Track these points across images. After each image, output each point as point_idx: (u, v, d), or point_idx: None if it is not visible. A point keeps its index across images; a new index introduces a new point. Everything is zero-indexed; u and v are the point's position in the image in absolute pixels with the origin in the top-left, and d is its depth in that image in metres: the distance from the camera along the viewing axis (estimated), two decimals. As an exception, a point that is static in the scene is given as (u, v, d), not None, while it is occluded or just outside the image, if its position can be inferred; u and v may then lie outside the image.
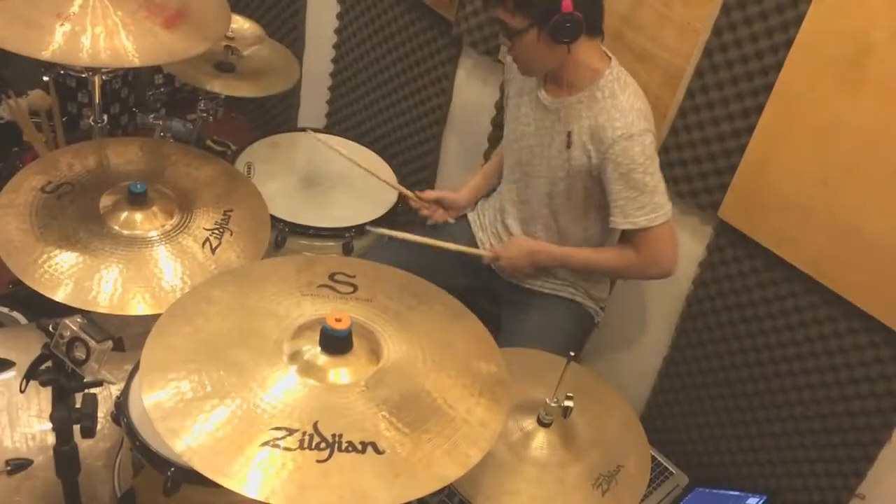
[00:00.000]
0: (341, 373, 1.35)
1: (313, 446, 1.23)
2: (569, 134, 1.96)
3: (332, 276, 1.55)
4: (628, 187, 1.91)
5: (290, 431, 1.25)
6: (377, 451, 1.24)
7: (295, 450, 1.22)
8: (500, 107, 2.53)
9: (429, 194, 2.31)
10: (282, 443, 1.23)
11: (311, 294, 1.50)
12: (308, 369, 1.35)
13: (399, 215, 2.52)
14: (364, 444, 1.25)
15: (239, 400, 1.29)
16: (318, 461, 1.22)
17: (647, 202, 1.91)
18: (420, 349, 1.44)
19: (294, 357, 1.37)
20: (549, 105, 2.00)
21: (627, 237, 2.03)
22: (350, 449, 1.24)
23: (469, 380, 1.40)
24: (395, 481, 1.21)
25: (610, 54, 1.96)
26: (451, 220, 2.33)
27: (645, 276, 2.14)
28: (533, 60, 1.93)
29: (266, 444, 1.23)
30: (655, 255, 1.99)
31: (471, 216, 2.36)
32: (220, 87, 2.44)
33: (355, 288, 1.54)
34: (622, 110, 1.90)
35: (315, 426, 1.26)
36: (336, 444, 1.24)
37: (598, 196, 2.01)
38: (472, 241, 2.31)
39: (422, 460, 1.25)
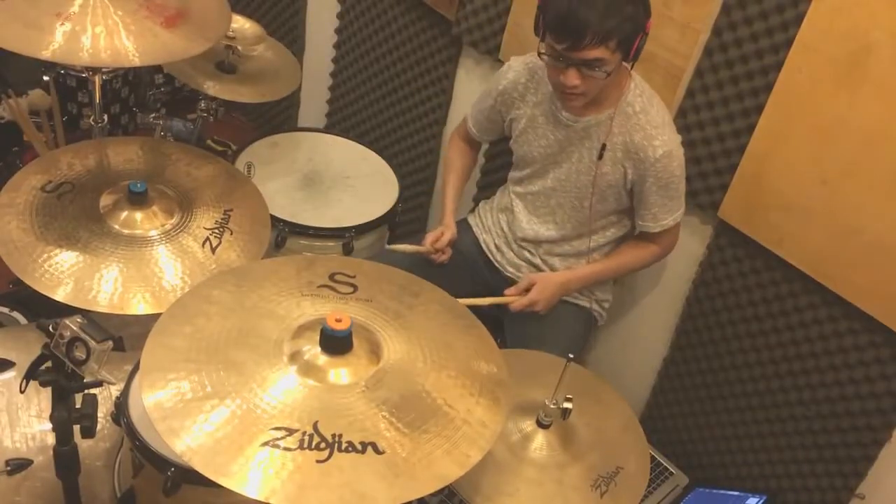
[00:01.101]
0: (341, 373, 1.35)
1: (313, 446, 1.23)
2: (603, 146, 1.96)
3: (332, 276, 1.55)
4: (664, 197, 1.99)
5: (290, 431, 1.25)
6: (377, 451, 1.24)
7: (295, 450, 1.22)
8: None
9: (444, 240, 2.19)
10: (282, 443, 1.23)
11: (312, 294, 1.50)
12: (308, 369, 1.35)
13: (399, 215, 2.52)
14: (364, 444, 1.25)
15: (239, 400, 1.29)
16: (318, 461, 1.22)
17: (675, 206, 2.02)
18: (420, 349, 1.44)
19: (294, 357, 1.37)
20: (573, 124, 2.00)
21: (645, 236, 2.12)
22: (350, 449, 1.24)
23: (469, 380, 1.40)
24: (395, 481, 1.21)
25: (625, 64, 1.96)
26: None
27: (655, 262, 2.21)
28: (603, 86, 1.87)
29: (266, 444, 1.23)
30: (671, 244, 2.13)
31: (471, 219, 2.36)
32: (222, 91, 2.43)
33: (355, 288, 1.54)
34: (657, 126, 1.92)
35: (315, 426, 1.26)
36: (336, 444, 1.24)
37: (627, 202, 2.06)
38: (476, 244, 2.31)
39: (422, 460, 1.25)
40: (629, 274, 2.29)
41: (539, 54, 1.86)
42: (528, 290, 2.09)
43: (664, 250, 2.14)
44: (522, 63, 2.09)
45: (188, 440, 1.23)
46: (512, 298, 2.10)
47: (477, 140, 2.31)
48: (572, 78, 1.82)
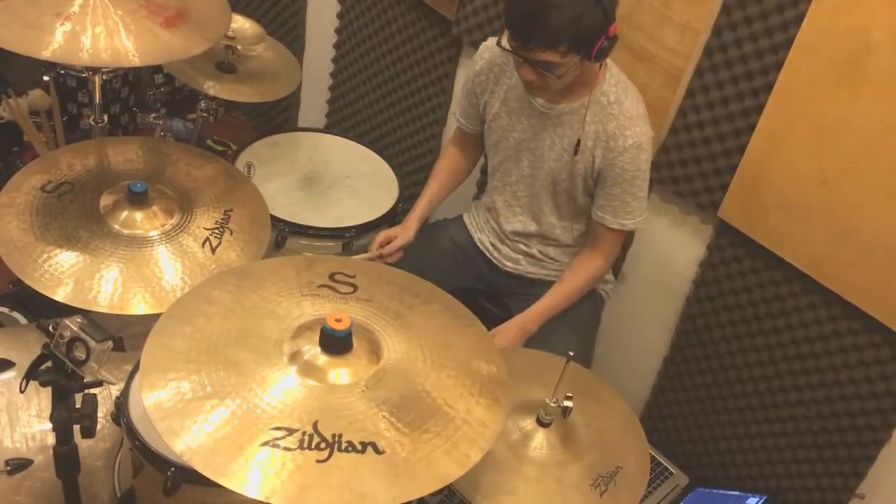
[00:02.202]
0: (341, 373, 1.35)
1: (313, 446, 1.23)
2: (578, 141, 1.95)
3: (332, 276, 1.55)
4: (626, 192, 1.97)
5: (290, 431, 1.25)
6: (377, 451, 1.24)
7: (295, 450, 1.22)
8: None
9: (394, 245, 2.20)
10: (282, 443, 1.23)
11: (312, 294, 1.50)
12: (308, 369, 1.35)
13: (399, 215, 2.52)
14: (364, 444, 1.25)
15: (239, 400, 1.29)
16: (318, 461, 1.22)
17: (636, 208, 2.00)
18: (420, 349, 1.44)
19: (294, 357, 1.37)
20: (547, 112, 2.00)
21: (596, 235, 2.08)
22: (350, 449, 1.24)
23: (469, 380, 1.40)
24: (395, 481, 1.21)
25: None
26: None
27: (601, 277, 2.17)
28: (563, 84, 1.88)
29: (266, 444, 1.23)
30: (614, 253, 2.11)
31: (466, 218, 2.36)
32: (222, 90, 2.43)
33: (355, 288, 1.54)
34: (630, 118, 1.91)
35: (315, 426, 1.26)
36: (336, 444, 1.24)
37: (593, 192, 2.04)
38: (472, 242, 2.31)
39: (422, 460, 1.25)
40: (582, 293, 2.19)
41: (499, 45, 1.87)
42: None
43: (607, 261, 2.10)
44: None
45: (188, 440, 1.23)
46: None
47: (469, 133, 2.27)
48: (527, 74, 1.84)
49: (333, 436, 1.25)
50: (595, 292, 2.23)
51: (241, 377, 1.32)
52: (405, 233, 2.21)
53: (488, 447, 1.30)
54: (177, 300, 1.48)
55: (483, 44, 2.13)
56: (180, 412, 1.26)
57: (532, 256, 2.22)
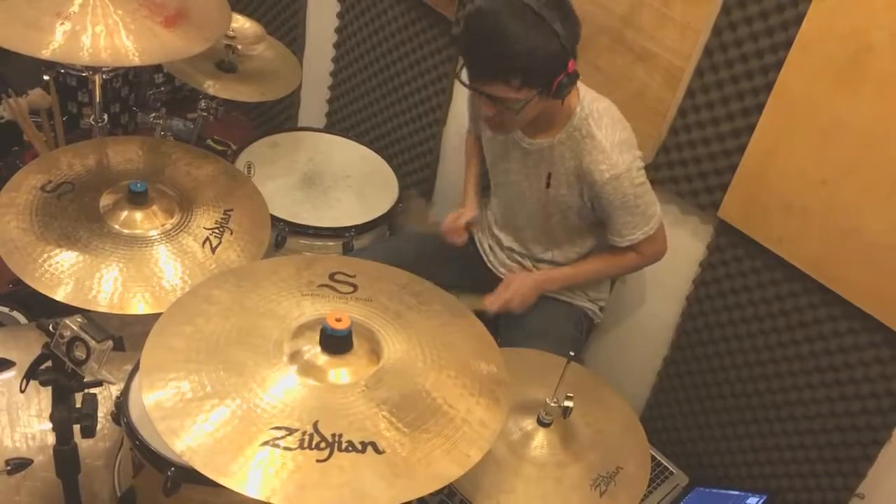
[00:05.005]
0: (341, 373, 1.35)
1: (313, 446, 1.23)
2: (549, 175, 1.95)
3: (332, 276, 1.55)
4: (624, 214, 1.96)
5: (290, 431, 1.25)
6: (377, 450, 1.24)
7: (295, 449, 1.22)
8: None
9: (460, 222, 2.19)
10: (282, 442, 1.23)
11: (312, 294, 1.50)
12: (308, 369, 1.35)
13: (398, 216, 2.52)
14: (364, 444, 1.25)
15: (239, 400, 1.29)
16: (318, 461, 1.22)
17: (640, 221, 1.98)
18: (420, 349, 1.44)
19: (294, 357, 1.37)
20: (529, 148, 1.99)
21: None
22: (350, 449, 1.24)
23: (469, 380, 1.40)
24: (395, 481, 1.21)
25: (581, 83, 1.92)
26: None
27: (644, 267, 2.18)
28: (524, 121, 1.85)
29: (266, 443, 1.23)
30: (655, 252, 2.09)
31: None
32: (222, 90, 2.43)
33: (355, 288, 1.54)
34: (603, 151, 1.88)
35: (315, 426, 1.26)
36: (336, 444, 1.24)
37: (594, 217, 2.04)
38: (471, 241, 2.31)
39: (422, 460, 1.25)
40: (612, 277, 2.26)
41: (458, 77, 1.82)
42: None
43: (646, 258, 2.09)
44: None
45: (188, 440, 1.23)
46: (492, 304, 2.07)
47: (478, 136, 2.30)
48: (485, 109, 1.81)
49: (333, 435, 1.25)
50: (580, 311, 2.22)
51: (241, 377, 1.33)
52: (468, 210, 2.21)
53: (488, 447, 1.30)
54: (177, 300, 1.48)
55: None
56: (180, 412, 1.26)
57: (527, 269, 2.22)
